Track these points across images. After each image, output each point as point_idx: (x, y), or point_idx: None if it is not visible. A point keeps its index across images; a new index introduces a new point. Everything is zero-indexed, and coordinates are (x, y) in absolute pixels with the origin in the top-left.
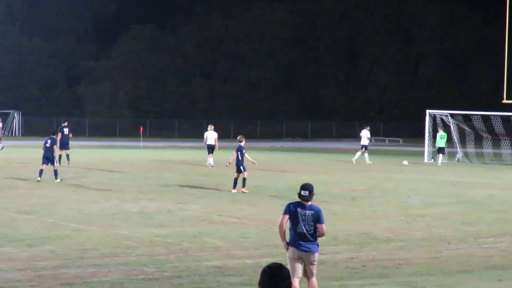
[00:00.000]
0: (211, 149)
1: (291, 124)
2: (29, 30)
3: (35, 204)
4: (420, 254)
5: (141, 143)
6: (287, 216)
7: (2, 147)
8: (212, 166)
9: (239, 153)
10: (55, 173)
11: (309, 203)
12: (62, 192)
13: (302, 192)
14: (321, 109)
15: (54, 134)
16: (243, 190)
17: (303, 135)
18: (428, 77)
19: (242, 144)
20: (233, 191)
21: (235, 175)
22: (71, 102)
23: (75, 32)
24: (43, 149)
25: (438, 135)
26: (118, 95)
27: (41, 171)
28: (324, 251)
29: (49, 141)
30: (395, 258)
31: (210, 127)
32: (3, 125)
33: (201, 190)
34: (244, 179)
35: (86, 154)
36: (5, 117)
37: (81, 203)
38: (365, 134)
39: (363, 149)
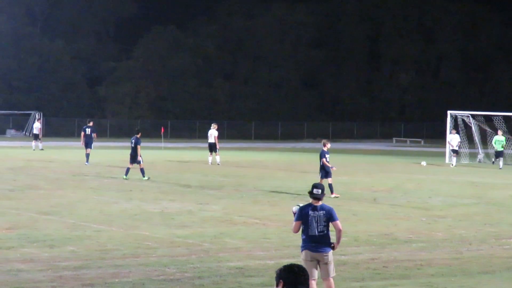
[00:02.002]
0: (210, 148)
1: (312, 125)
2: (50, 31)
3: (56, 204)
4: (441, 255)
5: (162, 144)
6: (300, 222)
7: (42, 148)
8: (213, 163)
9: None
10: (142, 171)
11: (320, 203)
12: (83, 193)
13: (315, 191)
14: (342, 110)
15: (138, 133)
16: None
17: (324, 136)
18: (449, 78)
19: (326, 148)
20: (332, 196)
21: (320, 180)
22: (92, 103)
23: (96, 33)
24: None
25: (495, 138)
26: (139, 96)
27: (127, 170)
28: (345, 252)
29: (133, 140)
30: (416, 259)
31: (213, 126)
32: (41, 126)
33: (222, 191)
34: (329, 185)
35: (107, 154)
36: (26, 118)
37: (102, 203)
38: (453, 138)
39: (455, 153)
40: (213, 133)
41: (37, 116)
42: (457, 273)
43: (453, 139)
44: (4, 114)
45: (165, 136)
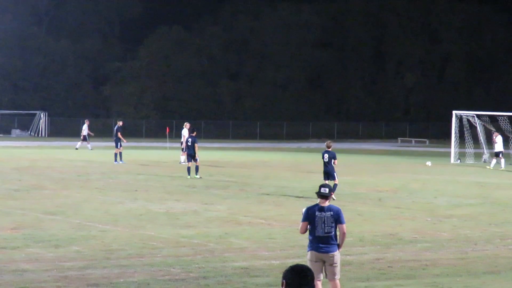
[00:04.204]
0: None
1: (317, 125)
2: (56, 31)
3: (61, 204)
4: (447, 255)
5: (167, 144)
6: (306, 223)
7: (91, 148)
8: (181, 163)
9: (333, 159)
10: (196, 168)
11: (328, 203)
12: (88, 193)
13: (322, 190)
14: (348, 110)
15: (193, 132)
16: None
17: (329, 136)
18: (454, 78)
19: (331, 149)
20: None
21: (325, 182)
22: (97, 103)
23: (102, 33)
24: (185, 148)
25: None
26: (144, 96)
27: (188, 169)
28: (351, 252)
29: (189, 139)
30: (421, 259)
31: (185, 125)
32: (89, 127)
33: (227, 191)
34: (335, 185)
35: (112, 155)
36: (31, 118)
37: (108, 203)
38: (498, 140)
39: (499, 155)
40: (183, 133)
41: (42, 116)
42: (462, 273)
43: (497, 141)
44: (9, 114)
45: (170, 136)
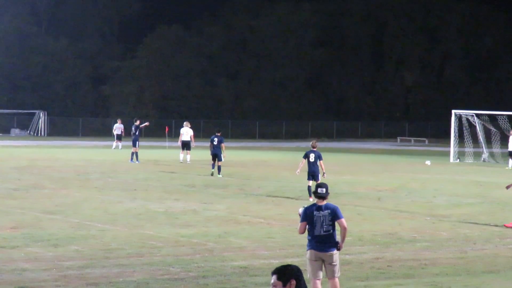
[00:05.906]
0: (185, 145)
1: (317, 124)
2: (55, 30)
3: (60, 204)
4: (446, 254)
5: (167, 143)
6: (305, 223)
7: (121, 147)
8: (187, 162)
9: (319, 159)
10: (219, 168)
11: (325, 202)
12: (87, 192)
13: (319, 190)
14: (347, 109)
15: (219, 132)
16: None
17: (329, 135)
18: (453, 77)
19: (316, 149)
20: (310, 199)
21: (309, 183)
22: (97, 102)
23: (101, 32)
24: (210, 147)
25: None
26: (143, 95)
27: (219, 168)
28: (350, 251)
29: (215, 139)
30: (420, 258)
31: (186, 124)
32: (124, 126)
33: (226, 190)
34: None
35: (111, 154)
36: (30, 117)
37: (107, 203)
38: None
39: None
40: (189, 132)
41: (41, 115)
42: (461, 272)
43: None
44: (8, 113)
45: (170, 136)
